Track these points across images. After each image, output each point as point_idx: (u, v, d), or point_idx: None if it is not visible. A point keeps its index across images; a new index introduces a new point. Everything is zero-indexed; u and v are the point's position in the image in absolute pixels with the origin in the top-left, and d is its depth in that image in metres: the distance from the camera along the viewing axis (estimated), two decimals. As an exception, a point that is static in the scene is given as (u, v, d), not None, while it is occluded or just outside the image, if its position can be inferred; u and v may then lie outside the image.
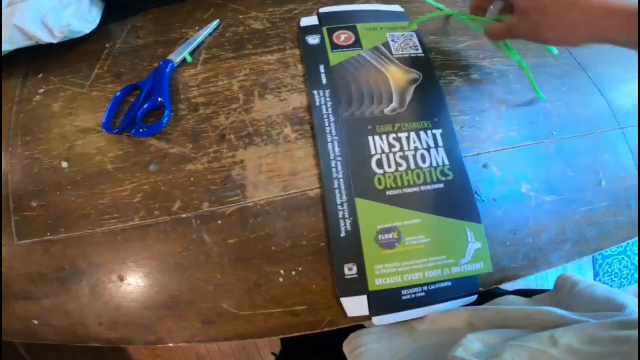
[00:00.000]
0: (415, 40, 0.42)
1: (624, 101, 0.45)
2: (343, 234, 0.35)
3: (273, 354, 0.60)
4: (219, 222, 0.36)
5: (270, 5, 0.44)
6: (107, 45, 0.44)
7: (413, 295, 0.36)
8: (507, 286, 0.40)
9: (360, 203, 0.36)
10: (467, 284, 0.36)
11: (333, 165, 0.37)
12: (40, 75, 0.43)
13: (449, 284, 0.36)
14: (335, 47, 0.41)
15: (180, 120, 0.38)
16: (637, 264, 1.45)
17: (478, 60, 0.43)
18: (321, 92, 0.39)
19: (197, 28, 0.42)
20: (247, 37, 0.42)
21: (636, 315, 0.27)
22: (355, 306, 0.35)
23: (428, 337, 0.35)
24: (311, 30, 0.42)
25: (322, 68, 0.40)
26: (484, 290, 0.37)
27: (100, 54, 0.43)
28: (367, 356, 0.34)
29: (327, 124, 0.38)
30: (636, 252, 1.46)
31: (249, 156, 0.37)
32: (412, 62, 0.41)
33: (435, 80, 0.41)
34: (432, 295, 0.36)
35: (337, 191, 0.36)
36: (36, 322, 0.39)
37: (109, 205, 0.38)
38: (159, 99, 0.38)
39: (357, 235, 0.35)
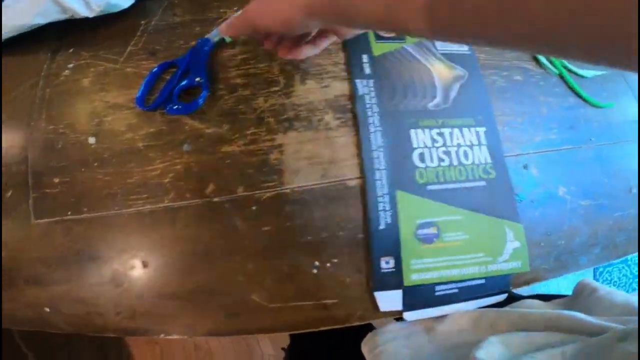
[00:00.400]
0: None
1: None
2: (382, 227, 0.34)
3: (283, 348, 0.58)
4: (254, 207, 0.34)
5: None
6: (142, 22, 0.42)
7: (446, 292, 0.35)
8: (524, 291, 0.40)
9: (401, 196, 0.35)
10: (499, 282, 0.36)
11: (375, 155, 0.36)
12: (71, 50, 0.42)
13: (483, 281, 0.36)
14: (378, 37, 0.40)
15: (217, 100, 0.37)
16: (636, 273, 1.48)
17: (521, 62, 0.42)
18: (364, 82, 0.38)
19: (235, 8, 0.41)
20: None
21: None
22: (389, 301, 0.34)
23: (447, 337, 0.34)
24: None
25: (365, 57, 0.39)
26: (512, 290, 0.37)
27: (135, 30, 0.42)
28: (387, 355, 0.33)
29: (370, 114, 0.37)
30: (636, 261, 1.50)
31: (287, 140, 0.36)
32: (457, 59, 0.41)
33: (479, 78, 0.40)
34: (465, 292, 0.35)
35: (378, 182, 0.35)
36: (47, 310, 0.37)
37: (138, 185, 0.36)
38: (197, 78, 0.37)
39: (396, 228, 0.34)
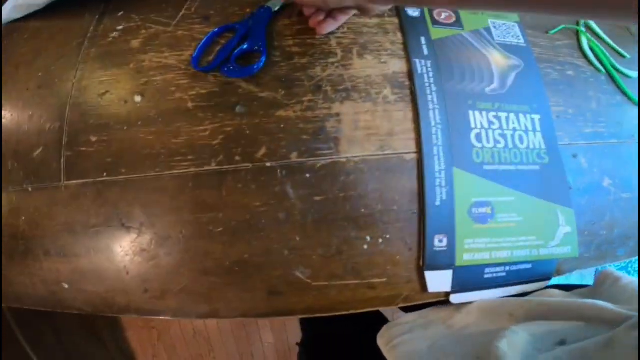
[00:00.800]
0: (517, 30, 0.42)
1: None
2: (438, 203, 0.34)
3: (297, 344, 0.56)
4: (307, 175, 0.33)
5: None
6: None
7: (495, 275, 0.35)
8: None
9: (457, 173, 0.35)
10: (545, 267, 0.36)
11: (434, 132, 0.35)
12: (121, 14, 0.41)
13: (530, 266, 0.36)
14: (435, 22, 0.40)
15: (273, 67, 0.36)
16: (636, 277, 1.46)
17: (573, 59, 0.43)
18: (423, 62, 0.38)
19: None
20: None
21: None
22: (439, 281, 0.34)
23: (465, 326, 0.33)
24: None
25: (423, 40, 0.39)
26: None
27: (188, -6, 0.41)
28: (404, 347, 0.33)
29: (428, 92, 0.36)
30: (636, 268, 1.50)
31: (345, 110, 0.35)
32: (513, 50, 0.41)
33: (535, 68, 0.40)
34: (512, 275, 0.35)
35: (436, 158, 0.34)
36: (66, 286, 0.35)
37: (183, 146, 0.34)
38: (257, 44, 0.36)
39: (452, 205, 0.34)
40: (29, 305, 0.37)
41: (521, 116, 0.38)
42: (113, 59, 0.38)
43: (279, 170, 0.33)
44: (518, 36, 0.42)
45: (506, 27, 0.42)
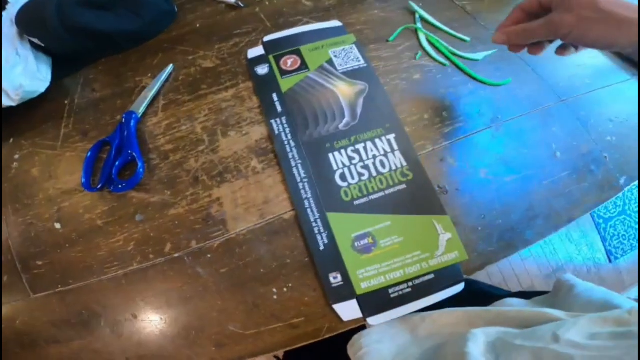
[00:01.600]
0: (356, 52, 0.45)
1: (559, 75, 0.48)
2: (322, 247, 0.38)
3: (276, 357, 0.64)
4: (209, 255, 0.40)
5: (217, 42, 0.45)
6: (65, 102, 0.45)
7: (400, 292, 0.37)
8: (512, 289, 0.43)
9: (332, 217, 0.39)
10: (449, 274, 0.37)
11: (301, 187, 0.40)
12: (11, 140, 0.45)
13: (432, 276, 0.37)
14: (283, 73, 0.43)
15: (154, 170, 0.41)
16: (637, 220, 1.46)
17: (415, 61, 0.45)
18: (278, 120, 0.42)
19: (149, 75, 0.44)
20: (200, 77, 0.44)
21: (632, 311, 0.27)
22: (348, 310, 0.37)
23: (429, 335, 0.36)
24: (259, 60, 0.44)
25: (275, 96, 0.42)
26: (467, 279, 0.39)
27: (61, 111, 0.45)
28: (371, 357, 0.35)
29: (288, 150, 0.41)
30: (635, 209, 1.46)
31: (223, 192, 0.41)
32: (356, 74, 0.44)
33: (380, 87, 0.44)
34: (419, 289, 0.37)
35: (309, 210, 0.39)
36: None
37: (107, 256, 0.41)
38: (130, 152, 0.41)
39: (335, 246, 0.38)
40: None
41: (377, 141, 0.42)
42: (24, 191, 0.44)
43: (185, 258, 0.40)
44: (358, 58, 0.44)
45: (345, 52, 0.45)
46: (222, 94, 0.43)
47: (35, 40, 0.44)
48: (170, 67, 0.44)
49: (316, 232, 0.39)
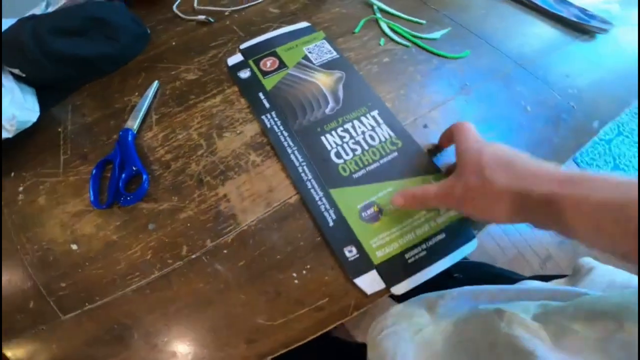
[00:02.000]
0: (327, 46, 0.49)
1: (510, 44, 0.54)
2: (331, 224, 0.40)
3: None
4: (225, 251, 0.42)
5: (195, 56, 0.48)
6: (59, 130, 0.47)
7: (416, 256, 0.38)
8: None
9: (334, 192, 0.41)
10: (459, 231, 0.39)
11: (300, 170, 0.43)
12: (12, 174, 0.46)
13: (443, 235, 0.38)
14: (265, 74, 0.47)
15: (159, 179, 0.43)
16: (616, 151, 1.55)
17: (381, 47, 0.49)
18: (268, 116, 0.45)
19: (136, 93, 0.46)
20: (186, 89, 0.47)
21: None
22: (370, 283, 0.37)
23: (447, 311, 0.36)
24: (239, 66, 0.48)
25: (261, 95, 0.45)
26: (484, 263, 0.44)
27: (56, 139, 0.46)
28: (390, 338, 0.36)
29: (283, 139, 0.44)
30: (634, 129, 1.55)
31: (228, 189, 0.43)
32: (331, 65, 0.48)
33: (355, 73, 0.48)
34: (434, 251, 0.38)
35: (312, 190, 0.42)
36: None
37: (127, 268, 0.43)
38: (133, 167, 0.43)
39: (343, 220, 0.40)
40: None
41: (363, 119, 0.45)
42: (34, 220, 0.45)
43: (203, 257, 0.42)
44: (330, 50, 0.49)
45: (317, 47, 0.49)
46: (211, 101, 0.45)
47: (16, 71, 0.46)
48: (155, 83, 0.47)
49: (322, 209, 0.41)
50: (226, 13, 0.54)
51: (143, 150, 0.44)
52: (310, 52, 0.48)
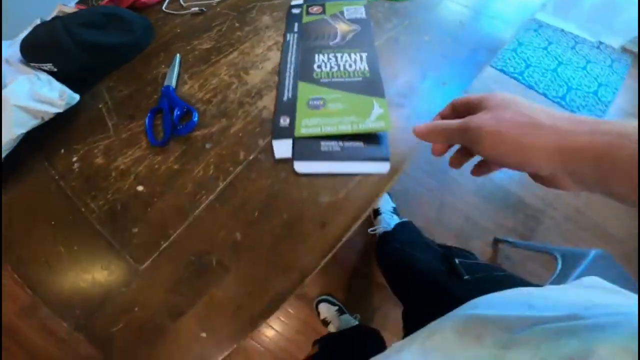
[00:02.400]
0: (362, 10, 0.64)
1: None
2: (285, 99, 0.52)
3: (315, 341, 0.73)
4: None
5: (202, 34, 0.62)
6: (100, 106, 0.54)
7: (330, 148, 0.47)
8: None
9: (301, 84, 0.53)
10: (376, 148, 0.47)
11: (289, 66, 0.56)
12: (62, 151, 0.51)
13: (361, 144, 0.47)
14: (309, 14, 0.63)
15: (205, 112, 0.52)
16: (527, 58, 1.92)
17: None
18: (291, 34, 0.60)
19: (163, 66, 0.57)
20: (206, 54, 0.59)
21: None
22: (282, 148, 0.48)
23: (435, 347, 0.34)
24: (297, 6, 0.66)
25: (297, 24, 0.62)
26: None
27: (100, 113, 0.53)
28: None
29: (290, 47, 0.59)
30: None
31: (266, 102, 0.53)
32: (356, 20, 0.62)
33: (369, 30, 0.61)
34: (347, 151, 0.46)
35: (287, 77, 0.55)
36: (204, 335, 0.42)
37: (193, 189, 0.48)
38: (182, 108, 0.51)
39: (295, 100, 0.51)
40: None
41: (352, 54, 0.56)
42: (95, 179, 0.48)
43: (259, 156, 0.48)
44: (362, 12, 0.63)
45: (355, 9, 0.64)
46: (231, 56, 0.57)
47: (48, 67, 0.52)
48: (177, 56, 0.58)
49: (286, 89, 0.53)
50: (213, 3, 0.68)
51: (185, 98, 0.53)
52: (347, 10, 0.63)
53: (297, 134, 0.47)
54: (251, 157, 0.50)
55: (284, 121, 0.50)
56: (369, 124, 0.47)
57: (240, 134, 0.51)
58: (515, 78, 1.74)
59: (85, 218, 0.48)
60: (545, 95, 1.72)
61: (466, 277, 0.57)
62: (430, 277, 0.63)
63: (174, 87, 0.54)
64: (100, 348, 0.42)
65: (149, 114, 0.51)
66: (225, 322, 0.42)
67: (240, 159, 0.50)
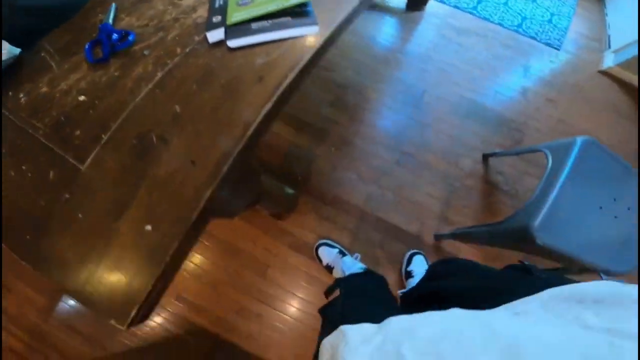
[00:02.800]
0: None
1: None
2: (217, 5, 0.56)
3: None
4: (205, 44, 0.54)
5: None
6: (43, 55, 0.55)
7: (261, 26, 0.52)
8: None
9: None
10: (303, 18, 0.53)
11: None
12: (10, 93, 0.52)
13: (288, 18, 0.53)
14: None
15: (142, 33, 0.55)
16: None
17: None
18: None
19: (99, 15, 0.60)
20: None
21: None
22: (216, 35, 0.52)
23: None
24: None
25: None
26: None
27: (45, 60, 0.55)
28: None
29: None
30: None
31: (200, 13, 0.57)
32: None
33: None
34: (276, 25, 0.52)
35: None
36: (149, 227, 0.44)
37: (133, 84, 0.50)
38: (121, 32, 0.55)
39: (226, 5, 0.55)
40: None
41: None
42: (41, 103, 0.50)
43: (196, 47, 0.52)
44: None
45: None
46: None
47: None
48: (113, 5, 0.60)
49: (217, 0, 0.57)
50: None
51: (123, 29, 0.57)
52: None
53: (228, 22, 0.52)
54: (187, 50, 0.52)
55: (216, 19, 0.53)
56: (292, 0, 0.53)
57: (177, 38, 0.54)
58: (470, 12, 1.78)
59: (33, 137, 0.48)
60: (501, 24, 1.75)
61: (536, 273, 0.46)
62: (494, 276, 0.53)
63: (111, 23, 0.57)
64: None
65: (87, 45, 0.54)
66: (169, 208, 0.43)
67: (177, 53, 0.52)
